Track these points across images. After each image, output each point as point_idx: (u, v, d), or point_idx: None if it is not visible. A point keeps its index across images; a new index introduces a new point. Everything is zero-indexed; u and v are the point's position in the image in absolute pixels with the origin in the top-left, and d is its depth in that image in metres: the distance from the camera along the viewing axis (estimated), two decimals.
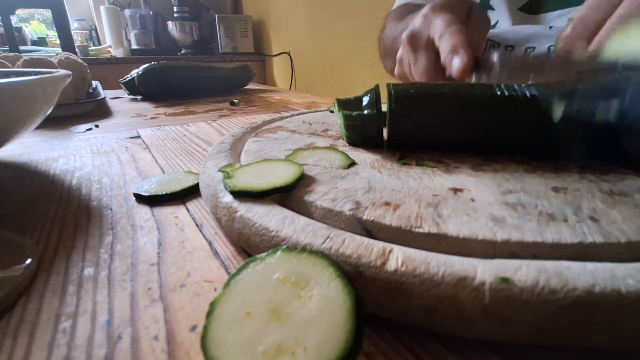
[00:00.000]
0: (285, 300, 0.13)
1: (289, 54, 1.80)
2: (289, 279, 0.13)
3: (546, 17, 0.46)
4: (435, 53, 0.36)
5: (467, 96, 0.24)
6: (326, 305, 0.12)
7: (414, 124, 0.25)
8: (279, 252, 0.14)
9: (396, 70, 0.44)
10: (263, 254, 0.15)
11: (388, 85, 0.25)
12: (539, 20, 0.47)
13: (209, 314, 0.12)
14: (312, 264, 0.14)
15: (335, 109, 0.29)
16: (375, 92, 0.26)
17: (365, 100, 0.27)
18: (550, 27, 0.43)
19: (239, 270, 0.14)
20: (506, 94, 0.24)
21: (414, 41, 0.38)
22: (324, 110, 0.47)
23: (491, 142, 0.25)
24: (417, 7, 0.59)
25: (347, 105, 0.28)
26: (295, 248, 0.15)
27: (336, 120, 0.36)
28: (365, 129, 0.27)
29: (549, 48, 0.43)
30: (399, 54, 0.42)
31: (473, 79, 0.31)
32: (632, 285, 0.12)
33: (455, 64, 0.30)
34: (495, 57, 0.29)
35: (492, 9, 0.51)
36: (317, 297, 0.12)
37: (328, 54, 1.49)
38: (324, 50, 1.52)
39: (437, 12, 0.35)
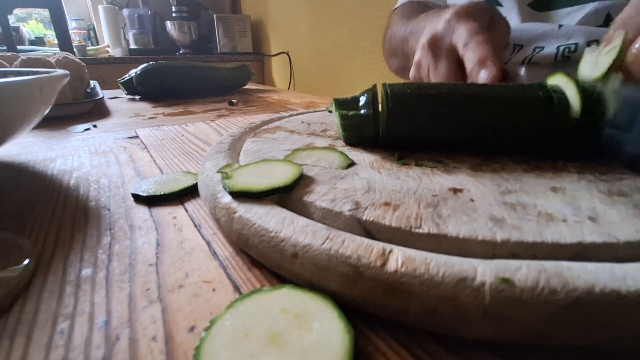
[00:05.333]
0: (285, 328, 0.13)
1: (287, 54, 1.80)
2: (291, 311, 0.14)
3: (556, 14, 0.45)
4: (457, 60, 0.35)
5: (464, 96, 0.24)
6: (325, 339, 0.12)
7: (410, 124, 0.25)
8: (285, 288, 0.15)
9: (412, 73, 0.43)
10: (269, 287, 0.15)
11: (384, 85, 0.25)
12: (548, 17, 0.46)
13: (207, 329, 0.13)
14: (316, 302, 0.14)
15: (333, 108, 0.29)
16: (372, 92, 0.26)
17: (362, 100, 0.27)
18: (560, 26, 0.42)
19: (244, 297, 0.14)
20: (504, 94, 0.24)
21: (435, 46, 0.37)
22: (322, 110, 0.47)
23: (489, 142, 0.25)
24: (424, 5, 0.58)
25: (344, 105, 0.28)
26: (301, 286, 0.15)
27: (334, 120, 0.36)
28: (362, 129, 0.27)
29: (558, 48, 0.42)
30: (416, 57, 0.41)
31: None
32: (631, 286, 0.12)
33: (482, 77, 0.30)
34: (522, 71, 0.29)
35: (500, 5, 0.50)
36: (317, 331, 0.13)
37: (327, 54, 1.49)
38: (322, 50, 1.52)
39: (462, 19, 0.35)
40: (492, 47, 0.31)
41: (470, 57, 0.32)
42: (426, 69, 0.39)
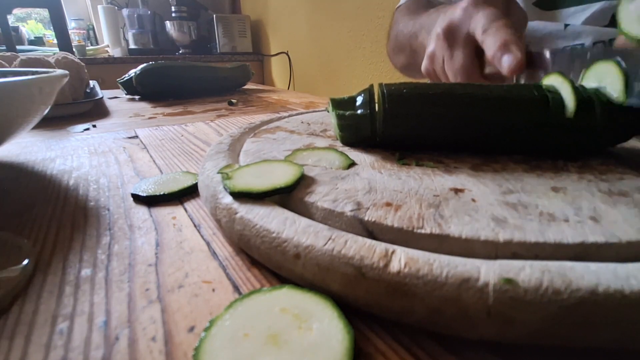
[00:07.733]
0: (285, 328, 0.13)
1: (287, 54, 1.80)
2: (291, 311, 0.13)
3: (562, 13, 0.45)
4: (475, 50, 0.34)
5: (460, 96, 0.24)
6: (325, 339, 0.12)
7: (406, 125, 0.25)
8: (284, 288, 0.15)
9: (424, 65, 0.41)
10: (268, 287, 0.15)
11: (381, 85, 0.25)
12: (554, 16, 0.45)
13: (207, 329, 0.13)
14: (316, 302, 0.14)
15: (330, 108, 0.29)
16: (369, 92, 0.26)
17: (359, 100, 0.27)
18: (566, 27, 0.42)
19: (243, 297, 0.14)
20: (500, 93, 0.24)
21: (451, 35, 0.36)
22: (322, 111, 0.47)
23: (485, 142, 0.25)
24: (427, 2, 0.58)
25: (341, 105, 0.28)
26: (301, 286, 0.15)
27: (331, 120, 0.36)
28: (359, 129, 0.26)
29: (564, 49, 0.42)
30: (430, 48, 0.39)
31: (523, 78, 0.30)
32: (635, 285, 0.12)
33: (506, 61, 0.29)
34: (547, 53, 0.28)
35: None
36: (317, 330, 0.13)
37: (326, 54, 1.49)
38: (322, 50, 1.52)
39: (479, 6, 0.34)
40: (514, 31, 0.30)
41: (490, 42, 0.30)
42: (441, 60, 0.38)
